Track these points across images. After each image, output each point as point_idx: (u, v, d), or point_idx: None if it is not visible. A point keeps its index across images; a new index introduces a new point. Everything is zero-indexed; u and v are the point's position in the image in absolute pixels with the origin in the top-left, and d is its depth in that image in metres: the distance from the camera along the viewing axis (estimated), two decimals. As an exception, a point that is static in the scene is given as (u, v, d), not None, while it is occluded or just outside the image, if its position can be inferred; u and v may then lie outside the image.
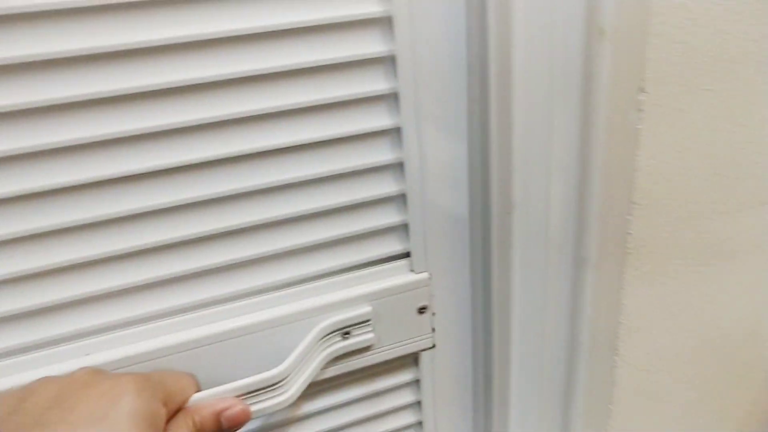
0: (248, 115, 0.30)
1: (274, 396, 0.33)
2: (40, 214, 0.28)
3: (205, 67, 0.28)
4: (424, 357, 0.41)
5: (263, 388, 0.33)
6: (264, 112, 0.30)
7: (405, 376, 0.41)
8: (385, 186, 0.35)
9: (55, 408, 0.26)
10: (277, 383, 0.33)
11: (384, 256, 0.37)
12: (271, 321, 0.34)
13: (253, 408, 0.32)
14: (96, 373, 0.28)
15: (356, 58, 0.31)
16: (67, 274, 0.30)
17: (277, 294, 0.34)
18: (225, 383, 0.32)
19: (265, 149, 0.31)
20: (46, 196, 0.28)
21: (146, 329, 0.32)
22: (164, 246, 0.31)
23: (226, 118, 0.29)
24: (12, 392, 0.28)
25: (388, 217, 0.36)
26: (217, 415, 0.30)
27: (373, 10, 0.30)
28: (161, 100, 0.28)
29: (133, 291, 0.32)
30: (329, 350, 0.36)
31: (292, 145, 0.31)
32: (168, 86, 0.28)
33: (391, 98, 0.32)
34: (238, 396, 0.32)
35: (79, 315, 0.31)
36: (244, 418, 0.31)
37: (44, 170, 0.28)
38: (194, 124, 0.29)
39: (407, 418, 0.43)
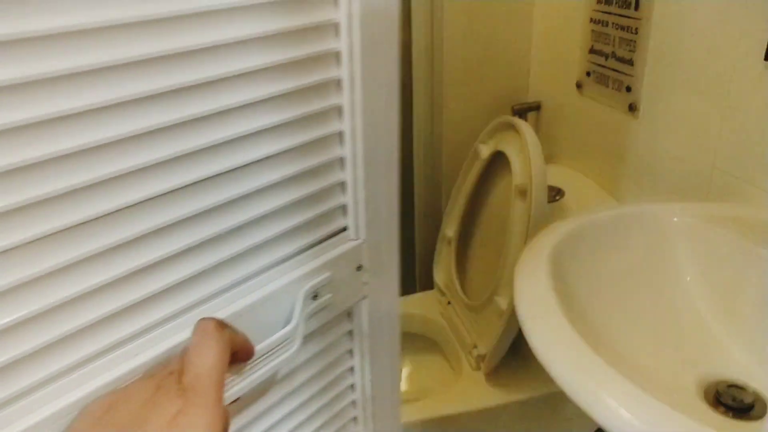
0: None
1: (289, 348, 0.44)
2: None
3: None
4: (356, 309, 0.53)
5: (282, 343, 0.44)
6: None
7: (343, 327, 0.53)
8: (334, 177, 0.48)
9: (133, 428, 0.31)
10: (290, 338, 0.44)
11: (334, 231, 0.50)
12: (270, 294, 0.45)
13: (278, 360, 0.43)
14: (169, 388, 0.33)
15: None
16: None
17: (269, 273, 0.45)
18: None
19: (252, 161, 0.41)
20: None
21: (185, 319, 0.40)
22: (179, 253, 0.39)
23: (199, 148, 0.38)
24: (103, 400, 0.33)
25: (336, 200, 0.49)
26: None
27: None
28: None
29: (167, 292, 0.39)
30: (307, 310, 0.47)
31: (268, 155, 0.42)
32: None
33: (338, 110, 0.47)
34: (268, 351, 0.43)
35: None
36: None
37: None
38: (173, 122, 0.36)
39: (342, 366, 0.55)
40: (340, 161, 0.48)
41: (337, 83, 0.45)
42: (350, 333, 0.54)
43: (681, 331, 0.68)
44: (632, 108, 1.01)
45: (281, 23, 0.39)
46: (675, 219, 0.71)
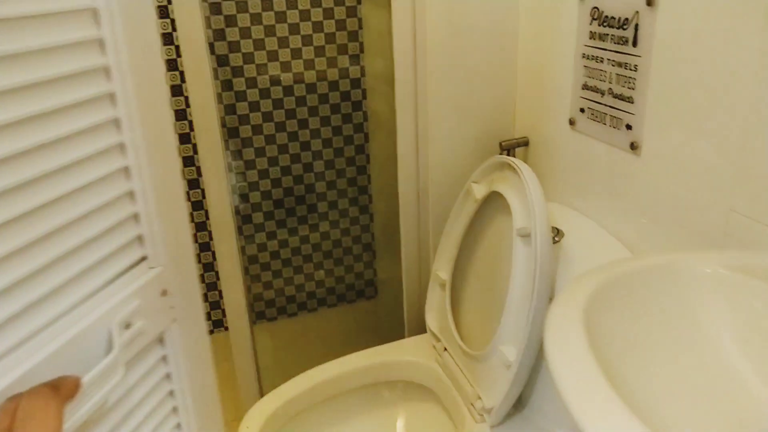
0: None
1: (114, 376, 0.48)
2: None
3: None
4: (167, 334, 0.57)
5: (106, 372, 0.46)
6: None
7: (157, 353, 0.57)
8: (126, 211, 0.52)
9: None
10: (113, 366, 0.47)
11: (135, 261, 0.54)
12: (85, 329, 0.47)
13: (106, 388, 0.47)
14: None
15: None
16: None
17: (80, 309, 0.48)
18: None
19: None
20: None
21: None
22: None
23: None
24: None
25: (132, 232, 0.53)
26: None
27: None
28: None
29: None
30: (123, 339, 0.50)
31: (57, 197, 0.46)
32: None
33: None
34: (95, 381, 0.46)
35: None
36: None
37: None
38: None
39: (163, 390, 0.58)
40: (130, 195, 0.53)
41: (117, 122, 0.51)
42: (165, 358, 0.58)
43: (725, 395, 0.63)
44: (634, 146, 0.98)
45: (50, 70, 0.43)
46: (707, 270, 0.68)
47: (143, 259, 0.55)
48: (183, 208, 0.58)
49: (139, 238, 0.55)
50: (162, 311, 0.56)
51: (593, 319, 0.64)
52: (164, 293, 0.56)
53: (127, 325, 0.51)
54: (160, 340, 0.57)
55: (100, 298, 0.50)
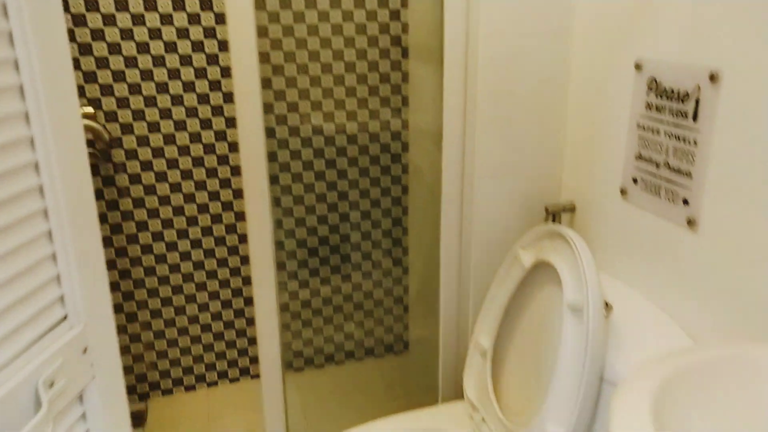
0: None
1: (47, 429, 0.47)
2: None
3: None
4: (87, 391, 0.59)
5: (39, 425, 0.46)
6: None
7: (76, 411, 0.58)
8: (48, 273, 0.54)
9: None
10: (43, 423, 0.47)
11: (57, 321, 0.55)
12: (11, 391, 0.48)
13: None
14: None
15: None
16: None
17: (8, 369, 0.49)
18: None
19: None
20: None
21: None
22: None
23: None
24: None
25: (54, 293, 0.55)
26: None
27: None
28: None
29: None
30: (48, 397, 0.51)
31: None
32: None
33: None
34: None
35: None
36: None
37: None
38: None
39: None
40: (53, 257, 0.55)
41: (40, 189, 0.54)
42: (84, 415, 0.60)
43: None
44: (691, 223, 0.95)
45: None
46: (781, 368, 0.64)
47: (64, 318, 0.58)
48: (102, 268, 0.61)
49: (61, 299, 0.57)
50: (83, 368, 0.58)
51: (661, 411, 0.61)
52: (85, 351, 0.58)
53: (51, 384, 0.53)
54: (80, 398, 0.60)
55: (26, 358, 0.52)
